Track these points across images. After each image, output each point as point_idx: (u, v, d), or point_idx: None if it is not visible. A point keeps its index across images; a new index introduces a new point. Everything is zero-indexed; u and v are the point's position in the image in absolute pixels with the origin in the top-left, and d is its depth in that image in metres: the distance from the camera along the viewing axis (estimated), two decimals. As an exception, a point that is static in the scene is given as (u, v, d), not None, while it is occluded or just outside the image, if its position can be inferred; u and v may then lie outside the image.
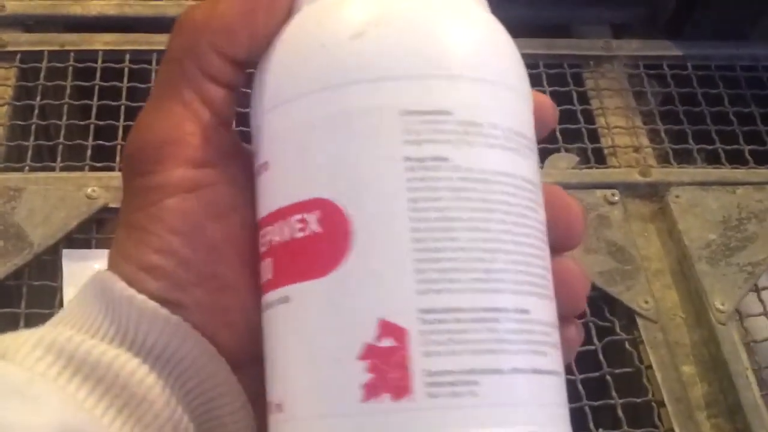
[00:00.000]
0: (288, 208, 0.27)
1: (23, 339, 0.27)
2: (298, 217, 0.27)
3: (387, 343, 0.25)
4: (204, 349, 0.28)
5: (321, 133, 0.27)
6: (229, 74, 0.30)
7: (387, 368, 0.25)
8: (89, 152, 0.76)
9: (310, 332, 0.26)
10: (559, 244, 0.30)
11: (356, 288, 0.26)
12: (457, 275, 0.26)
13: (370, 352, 0.25)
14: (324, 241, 0.26)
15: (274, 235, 0.28)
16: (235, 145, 0.30)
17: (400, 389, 0.25)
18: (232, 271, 0.29)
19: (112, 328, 0.28)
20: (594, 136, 0.83)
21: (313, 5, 0.29)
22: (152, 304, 0.28)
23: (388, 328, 0.25)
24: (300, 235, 0.27)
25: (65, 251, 0.69)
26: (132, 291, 0.28)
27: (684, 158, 0.82)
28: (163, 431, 0.28)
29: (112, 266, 0.29)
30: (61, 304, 0.66)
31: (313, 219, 0.26)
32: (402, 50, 0.27)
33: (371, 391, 0.25)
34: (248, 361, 0.29)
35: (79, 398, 0.27)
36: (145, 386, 0.27)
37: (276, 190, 0.28)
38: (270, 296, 0.28)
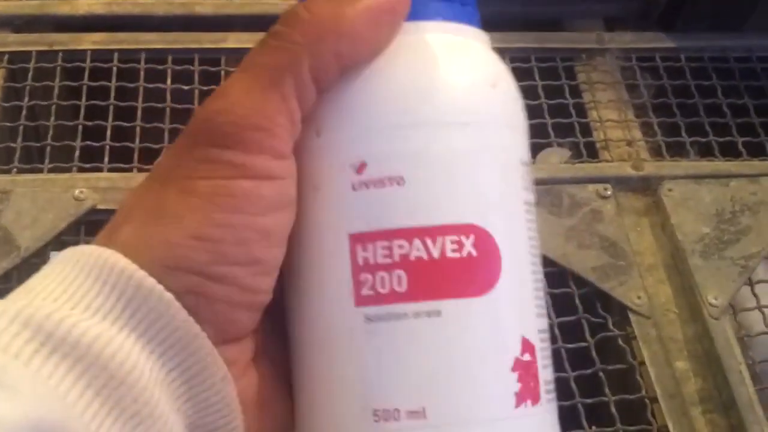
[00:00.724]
0: (438, 228, 0.29)
1: None
2: (454, 238, 0.29)
3: (527, 357, 0.30)
4: (189, 327, 0.28)
5: (471, 163, 0.30)
6: (333, 79, 0.30)
7: (528, 379, 0.30)
8: (77, 153, 0.75)
9: (469, 345, 0.29)
10: None
11: (507, 309, 0.30)
12: (541, 302, 0.32)
13: (518, 365, 0.30)
14: (480, 264, 0.29)
15: (410, 249, 0.29)
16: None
17: (536, 396, 0.30)
18: (274, 258, 0.30)
19: (99, 300, 0.28)
20: (586, 130, 0.83)
21: (437, 37, 0.31)
22: (150, 280, 0.28)
23: (527, 345, 0.30)
24: (455, 255, 0.29)
25: (53, 254, 0.68)
26: (134, 266, 0.28)
27: (677, 151, 0.82)
28: (141, 414, 0.27)
29: (140, 222, 0.29)
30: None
31: (468, 242, 0.29)
32: (516, 105, 0.32)
33: (520, 398, 0.30)
34: (246, 335, 0.30)
35: (53, 383, 0.26)
36: (125, 369, 0.27)
37: (415, 207, 0.29)
38: (401, 308, 0.29)
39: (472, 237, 0.29)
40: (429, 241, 0.29)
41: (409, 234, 0.29)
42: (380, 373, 0.29)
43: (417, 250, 0.29)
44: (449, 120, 0.30)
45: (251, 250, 0.29)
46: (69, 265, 0.28)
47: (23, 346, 0.26)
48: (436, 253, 0.29)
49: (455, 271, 0.29)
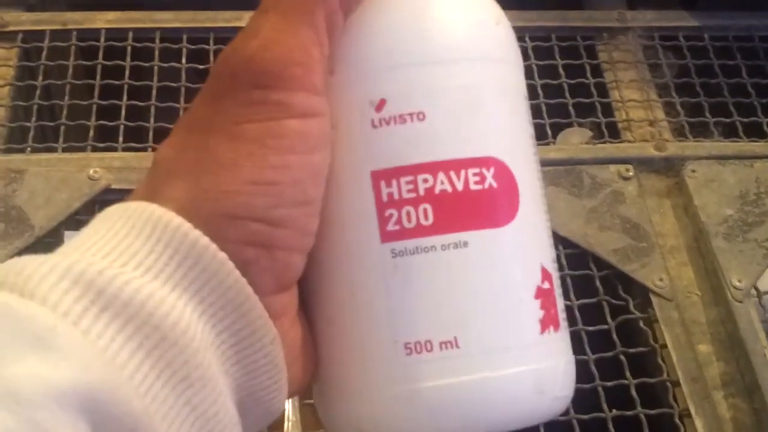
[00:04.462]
0: (460, 162, 0.30)
1: (48, 267, 0.26)
2: (475, 170, 0.30)
3: (546, 285, 0.31)
4: (241, 288, 0.28)
5: (487, 97, 0.31)
6: (357, 4, 0.30)
7: (549, 306, 0.31)
8: (91, 133, 0.75)
9: (496, 274, 0.30)
10: None
11: (527, 238, 0.31)
12: (550, 233, 0.33)
13: (540, 293, 0.31)
14: (501, 195, 0.30)
15: (434, 183, 0.30)
16: None
17: (556, 323, 0.31)
18: (320, 198, 0.30)
19: (151, 258, 0.27)
20: (608, 110, 0.81)
21: None
22: (205, 239, 0.27)
23: (545, 274, 0.31)
24: (477, 187, 0.30)
25: (67, 233, 0.68)
26: (188, 224, 0.27)
27: (700, 132, 0.80)
28: (191, 378, 0.26)
29: (190, 174, 0.28)
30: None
31: (489, 174, 0.30)
32: (515, 42, 0.33)
33: (544, 324, 0.30)
34: (295, 282, 0.30)
35: (102, 343, 0.25)
36: (178, 331, 0.26)
37: (438, 142, 0.30)
38: (428, 241, 0.29)
39: (492, 169, 0.30)
40: (453, 174, 0.30)
41: (433, 168, 0.30)
42: (410, 306, 0.30)
43: (441, 183, 0.30)
44: (465, 56, 0.31)
45: (306, 190, 0.29)
46: (120, 221, 0.28)
47: (73, 305, 0.25)
48: (460, 186, 0.30)
49: (479, 202, 0.30)
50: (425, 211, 0.29)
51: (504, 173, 0.30)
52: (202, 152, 0.28)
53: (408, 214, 0.30)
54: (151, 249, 0.27)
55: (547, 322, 0.30)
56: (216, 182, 0.28)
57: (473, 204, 0.30)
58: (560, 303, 0.32)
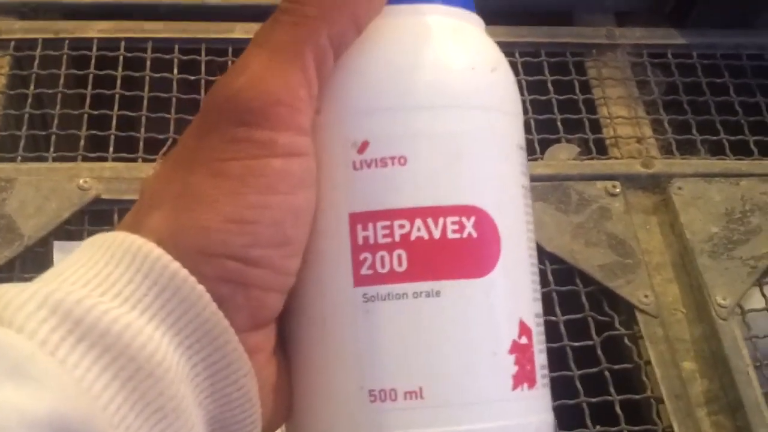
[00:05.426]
0: (440, 209, 0.29)
1: (27, 295, 0.26)
2: (455, 219, 0.29)
3: (524, 340, 0.30)
4: (218, 321, 0.28)
5: (473, 145, 0.30)
6: (352, 42, 0.30)
7: (525, 362, 0.30)
8: (82, 142, 0.75)
9: (468, 326, 0.29)
10: None
11: (505, 291, 0.30)
12: (537, 286, 0.32)
13: (515, 348, 0.30)
14: (480, 246, 0.30)
15: (411, 229, 0.29)
16: None
17: (532, 380, 0.30)
18: (303, 238, 0.30)
19: (130, 288, 0.27)
20: (596, 127, 0.82)
21: (438, 20, 0.31)
22: (184, 271, 0.27)
23: (524, 328, 0.30)
24: (456, 236, 0.29)
25: (57, 243, 0.68)
26: (168, 256, 0.27)
27: (687, 149, 0.81)
28: (165, 409, 0.27)
29: (170, 208, 0.28)
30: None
31: (469, 224, 0.29)
32: (514, 90, 0.32)
33: (517, 381, 0.30)
34: (272, 321, 0.30)
35: (78, 374, 0.25)
36: (153, 362, 0.26)
37: (417, 187, 0.29)
38: (400, 288, 0.29)
39: (473, 218, 0.30)
40: (430, 222, 0.29)
41: (410, 214, 0.29)
42: (377, 353, 0.29)
43: (418, 230, 0.29)
44: (452, 102, 0.30)
45: (284, 231, 0.29)
46: (100, 251, 0.28)
47: (50, 334, 0.25)
48: (437, 234, 0.29)
49: (456, 252, 0.29)
50: (399, 257, 0.29)
51: (485, 223, 0.30)
52: (184, 186, 0.28)
53: (382, 259, 0.29)
54: (130, 279, 0.27)
55: (521, 378, 0.30)
56: (195, 218, 0.28)
57: (449, 253, 0.29)
58: (540, 359, 0.31)
